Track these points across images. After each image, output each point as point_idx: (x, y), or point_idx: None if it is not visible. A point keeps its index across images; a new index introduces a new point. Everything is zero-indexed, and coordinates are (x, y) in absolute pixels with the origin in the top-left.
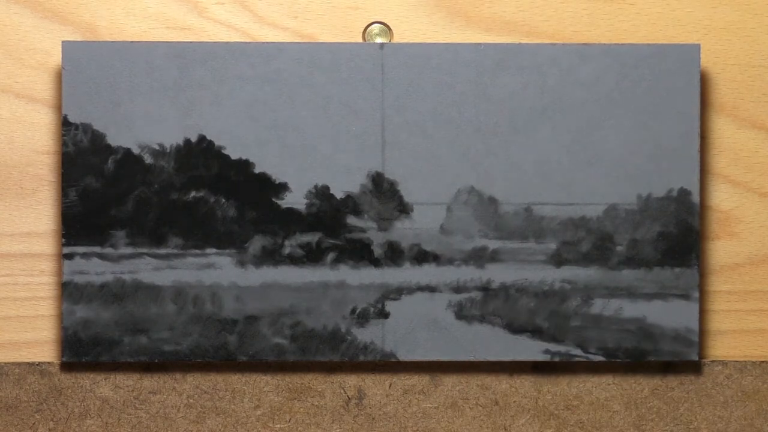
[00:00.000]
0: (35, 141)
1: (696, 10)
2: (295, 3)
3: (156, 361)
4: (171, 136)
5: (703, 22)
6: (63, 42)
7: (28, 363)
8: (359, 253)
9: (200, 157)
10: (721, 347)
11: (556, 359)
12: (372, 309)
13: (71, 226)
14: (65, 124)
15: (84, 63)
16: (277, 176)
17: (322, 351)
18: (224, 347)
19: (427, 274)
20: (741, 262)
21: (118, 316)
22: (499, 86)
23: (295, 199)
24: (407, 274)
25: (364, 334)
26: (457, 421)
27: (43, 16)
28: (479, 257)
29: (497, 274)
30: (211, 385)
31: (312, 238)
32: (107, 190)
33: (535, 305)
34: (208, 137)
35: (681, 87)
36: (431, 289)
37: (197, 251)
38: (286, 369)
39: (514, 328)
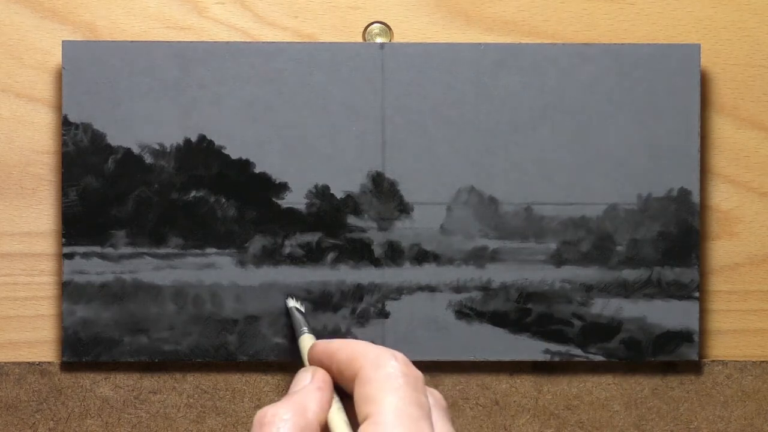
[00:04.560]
0: (35, 141)
1: (696, 10)
2: (295, 3)
3: (156, 360)
4: (171, 136)
5: (703, 22)
6: (63, 42)
7: (28, 363)
8: (359, 252)
9: (200, 156)
10: (721, 347)
11: (556, 359)
12: (372, 309)
13: (71, 225)
14: (65, 123)
15: (84, 63)
16: (277, 176)
17: None
18: (224, 347)
19: (427, 273)
20: (741, 262)
21: (118, 315)
22: (499, 86)
23: (295, 199)
24: (407, 273)
25: (364, 334)
26: (457, 420)
27: (43, 16)
28: (479, 257)
29: (497, 274)
30: (211, 384)
31: (312, 237)
32: (107, 190)
33: (535, 305)
34: (209, 137)
35: (681, 87)
36: (431, 288)
37: (197, 251)
38: (286, 369)
39: (514, 328)
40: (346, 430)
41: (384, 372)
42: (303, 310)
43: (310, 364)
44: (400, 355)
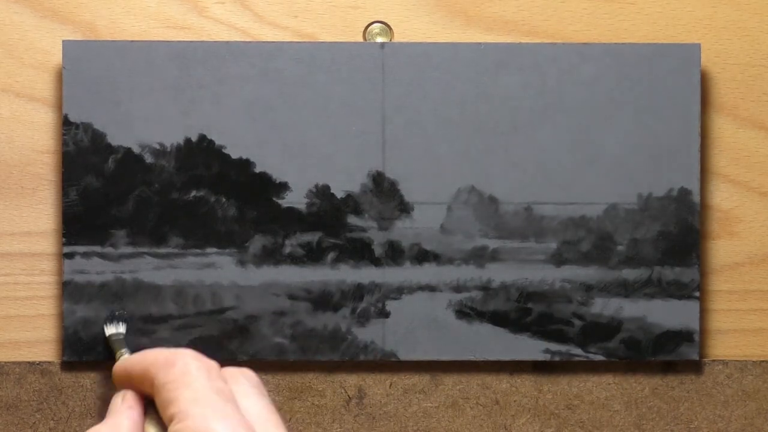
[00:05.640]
0: (35, 140)
1: (696, 9)
2: (295, 2)
3: None
4: (171, 136)
5: (703, 21)
6: (63, 41)
7: (29, 362)
8: (360, 252)
9: (200, 156)
10: (721, 347)
11: (556, 359)
12: (372, 308)
13: (71, 225)
14: (65, 123)
15: (84, 62)
16: (278, 176)
17: (323, 350)
18: (224, 347)
19: (427, 273)
20: (741, 261)
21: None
22: (499, 86)
23: (295, 199)
24: (407, 273)
25: (364, 334)
26: (458, 420)
27: (43, 16)
28: (479, 257)
29: (497, 274)
30: None
31: (312, 237)
32: (108, 190)
33: (534, 305)
34: (209, 137)
35: (681, 87)
36: (431, 288)
37: (198, 251)
38: (287, 368)
39: (515, 328)
40: None
41: (174, 372)
42: (123, 331)
43: (116, 387)
44: (188, 351)
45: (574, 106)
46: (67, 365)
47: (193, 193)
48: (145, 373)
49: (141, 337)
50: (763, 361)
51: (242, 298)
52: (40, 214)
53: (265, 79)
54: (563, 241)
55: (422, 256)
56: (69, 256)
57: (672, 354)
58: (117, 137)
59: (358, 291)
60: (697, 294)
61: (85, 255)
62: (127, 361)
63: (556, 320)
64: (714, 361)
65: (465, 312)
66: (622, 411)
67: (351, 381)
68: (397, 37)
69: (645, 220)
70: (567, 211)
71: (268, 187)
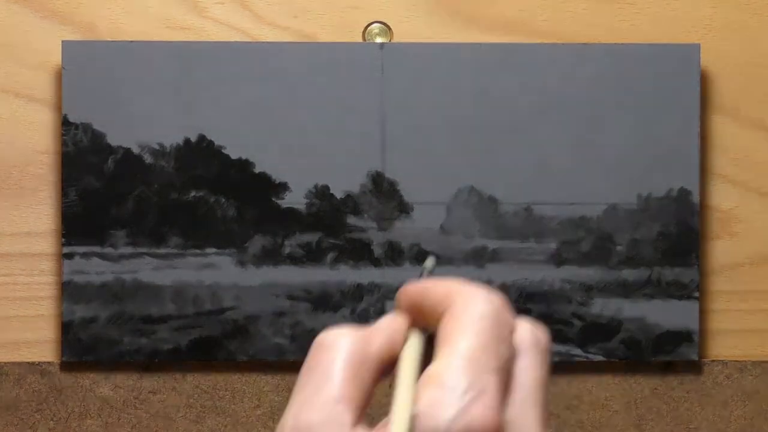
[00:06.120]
0: (35, 141)
1: (696, 9)
2: (295, 3)
3: (156, 360)
4: (171, 136)
5: (703, 22)
6: (63, 42)
7: (28, 363)
8: (359, 252)
9: (200, 156)
10: (721, 347)
11: (556, 359)
12: (372, 309)
13: (71, 225)
14: (65, 123)
15: (84, 63)
16: (277, 176)
17: None
18: (224, 347)
19: None
20: (741, 262)
21: (118, 315)
22: (499, 86)
23: (295, 199)
24: (407, 273)
25: None
26: None
27: (43, 16)
28: (479, 257)
29: (497, 274)
30: (211, 385)
31: (312, 237)
32: (107, 190)
33: (534, 305)
34: (208, 137)
35: (681, 87)
36: None
37: (197, 251)
38: (286, 369)
39: None
40: (408, 370)
41: (470, 312)
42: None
43: (402, 300)
44: (496, 298)
45: (574, 106)
46: (67, 365)
47: (193, 193)
48: (445, 298)
49: (140, 337)
50: (762, 362)
51: (242, 299)
52: (39, 215)
53: (265, 79)
54: (563, 242)
55: (422, 257)
56: (68, 256)
57: (672, 354)
58: (116, 137)
59: (358, 291)
60: (697, 294)
61: (85, 255)
62: (427, 281)
63: (556, 320)
64: (713, 361)
65: None
66: (621, 411)
67: None
68: (397, 38)
69: (645, 221)
70: (567, 211)
71: (268, 187)
